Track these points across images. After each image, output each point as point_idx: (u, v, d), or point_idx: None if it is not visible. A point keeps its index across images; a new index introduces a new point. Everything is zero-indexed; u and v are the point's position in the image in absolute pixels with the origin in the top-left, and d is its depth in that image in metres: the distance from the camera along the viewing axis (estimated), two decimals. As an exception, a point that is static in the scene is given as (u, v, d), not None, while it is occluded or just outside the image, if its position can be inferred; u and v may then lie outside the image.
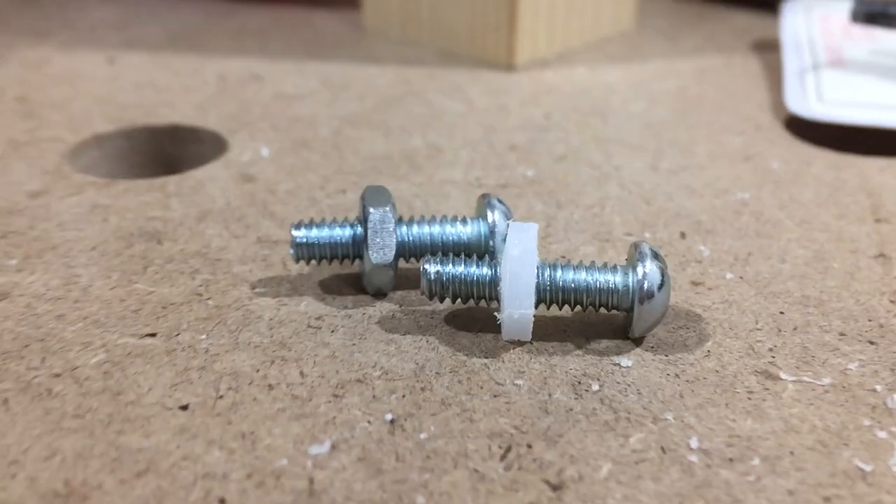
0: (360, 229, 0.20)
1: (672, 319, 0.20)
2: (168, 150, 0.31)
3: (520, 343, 0.19)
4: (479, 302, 0.19)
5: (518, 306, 0.18)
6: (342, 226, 0.21)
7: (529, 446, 0.16)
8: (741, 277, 0.22)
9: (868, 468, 0.16)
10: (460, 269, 0.19)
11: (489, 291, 0.19)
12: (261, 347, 0.19)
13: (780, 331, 0.19)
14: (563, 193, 0.26)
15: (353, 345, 0.19)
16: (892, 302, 0.21)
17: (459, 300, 0.19)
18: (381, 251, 0.20)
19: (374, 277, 0.20)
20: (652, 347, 0.19)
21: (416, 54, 0.38)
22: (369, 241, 0.20)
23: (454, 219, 0.21)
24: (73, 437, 0.16)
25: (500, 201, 0.21)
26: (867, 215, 0.25)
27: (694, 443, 0.16)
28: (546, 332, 0.19)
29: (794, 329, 0.20)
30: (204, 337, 0.19)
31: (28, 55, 0.38)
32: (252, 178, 0.27)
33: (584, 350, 0.19)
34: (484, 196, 0.21)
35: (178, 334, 0.19)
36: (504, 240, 0.20)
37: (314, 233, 0.20)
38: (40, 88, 0.34)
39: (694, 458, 0.16)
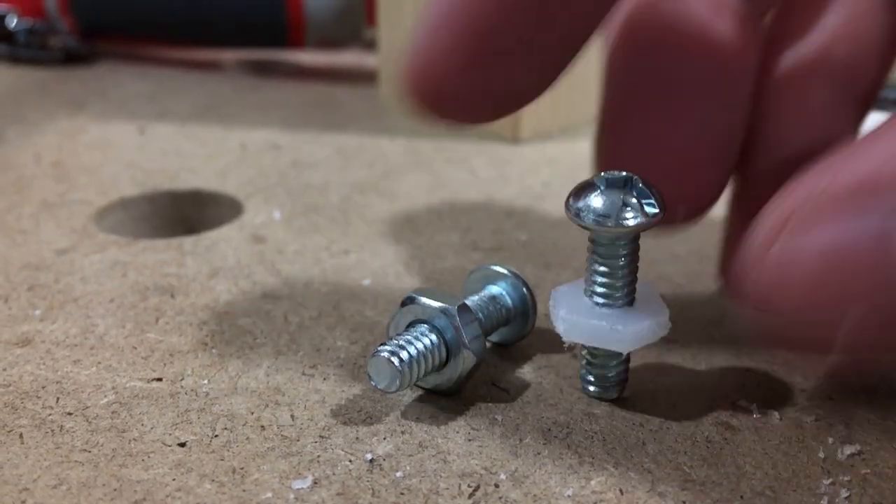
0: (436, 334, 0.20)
1: (644, 374, 0.21)
2: (188, 213, 0.33)
3: (506, 391, 0.20)
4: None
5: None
6: (419, 332, 0.20)
7: (497, 486, 0.17)
8: (713, 338, 0.23)
9: (813, 513, 0.17)
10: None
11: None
12: (257, 392, 0.20)
13: (743, 386, 0.21)
14: (552, 256, 0.27)
15: (343, 391, 0.20)
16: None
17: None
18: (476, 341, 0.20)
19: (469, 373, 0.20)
20: (623, 400, 0.20)
21: (426, 127, 0.41)
22: (465, 338, 0.19)
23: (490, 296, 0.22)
24: (80, 469, 0.18)
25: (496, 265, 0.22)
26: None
27: (650, 486, 0.17)
28: (524, 383, 0.21)
29: (758, 385, 0.21)
30: (206, 382, 0.21)
31: (65, 124, 0.41)
32: (263, 239, 0.29)
33: (558, 400, 0.20)
34: (481, 269, 0.22)
35: (182, 379, 0.21)
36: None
37: (405, 353, 0.19)
38: (74, 155, 0.36)
39: (649, 499, 0.17)
